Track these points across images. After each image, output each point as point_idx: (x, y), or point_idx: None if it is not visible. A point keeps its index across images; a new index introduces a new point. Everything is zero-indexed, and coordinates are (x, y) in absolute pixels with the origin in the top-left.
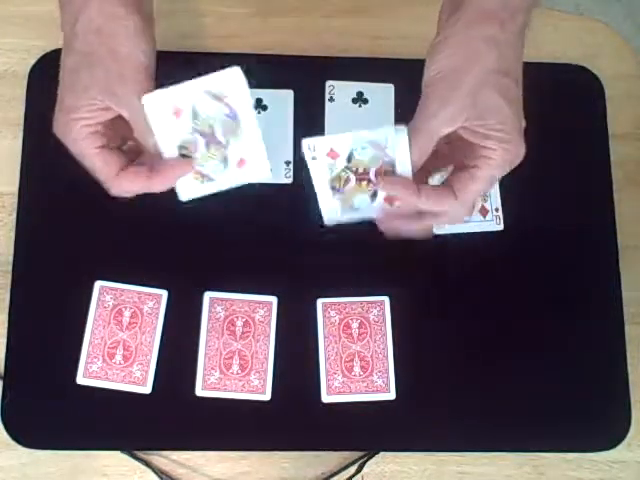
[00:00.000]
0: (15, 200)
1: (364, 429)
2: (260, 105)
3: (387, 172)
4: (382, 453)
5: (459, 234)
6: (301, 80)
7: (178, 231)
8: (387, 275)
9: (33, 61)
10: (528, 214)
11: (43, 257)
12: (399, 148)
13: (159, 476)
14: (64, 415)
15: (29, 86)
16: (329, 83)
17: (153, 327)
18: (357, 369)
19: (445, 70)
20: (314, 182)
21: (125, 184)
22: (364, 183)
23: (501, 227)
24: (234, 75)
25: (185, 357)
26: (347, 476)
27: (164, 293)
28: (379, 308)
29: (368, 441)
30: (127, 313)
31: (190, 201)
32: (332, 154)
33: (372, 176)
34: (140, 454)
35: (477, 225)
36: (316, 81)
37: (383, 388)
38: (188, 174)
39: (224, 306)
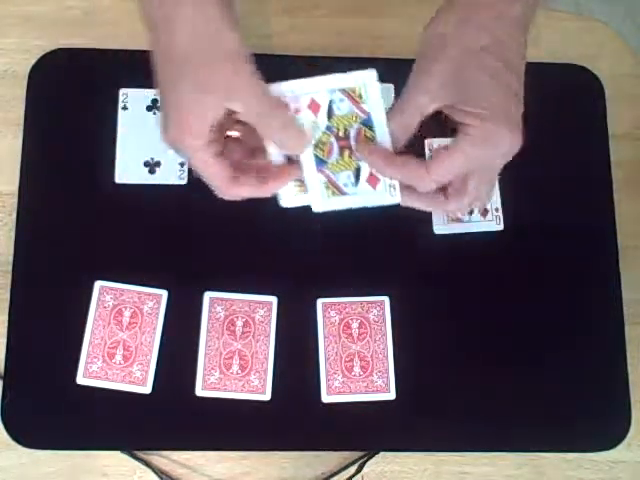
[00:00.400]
0: (15, 200)
1: (364, 429)
2: None
3: (367, 138)
4: (382, 453)
5: (459, 234)
6: None
7: (178, 231)
8: (387, 275)
9: (33, 61)
10: (528, 214)
11: (43, 257)
12: (371, 97)
13: (159, 476)
14: (64, 415)
15: (29, 86)
16: None
17: (153, 327)
18: (357, 369)
19: (433, 43)
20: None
21: (238, 190)
22: (346, 154)
23: (501, 227)
24: (369, 77)
25: (185, 357)
26: (347, 476)
27: (164, 293)
28: (379, 308)
29: (368, 441)
30: (127, 313)
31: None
32: (314, 106)
33: (352, 141)
34: (140, 454)
35: (477, 225)
36: None
37: (383, 388)
38: (318, 180)
39: (224, 306)
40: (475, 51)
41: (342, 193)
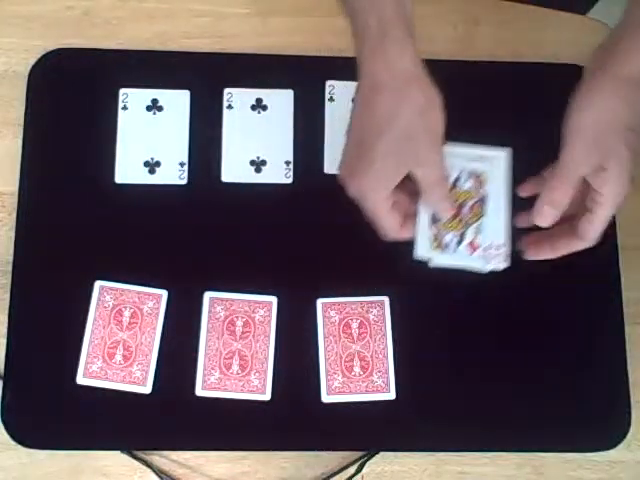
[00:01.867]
0: (15, 200)
1: (364, 429)
2: (260, 105)
3: (478, 212)
4: (382, 453)
5: None
6: (301, 80)
7: (178, 231)
8: (387, 275)
9: (33, 61)
10: (527, 214)
11: (43, 257)
12: (495, 181)
13: (159, 476)
14: (64, 415)
15: (29, 86)
16: (329, 83)
17: (153, 327)
18: (357, 369)
19: (589, 123)
20: (422, 203)
21: (404, 234)
22: (457, 220)
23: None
24: (500, 157)
25: (185, 357)
26: (347, 476)
27: (164, 293)
28: (379, 308)
29: (368, 441)
30: (127, 313)
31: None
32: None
33: (465, 211)
34: (140, 454)
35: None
36: (316, 81)
37: (383, 388)
38: (429, 234)
39: (224, 306)
40: (623, 129)
41: (443, 249)
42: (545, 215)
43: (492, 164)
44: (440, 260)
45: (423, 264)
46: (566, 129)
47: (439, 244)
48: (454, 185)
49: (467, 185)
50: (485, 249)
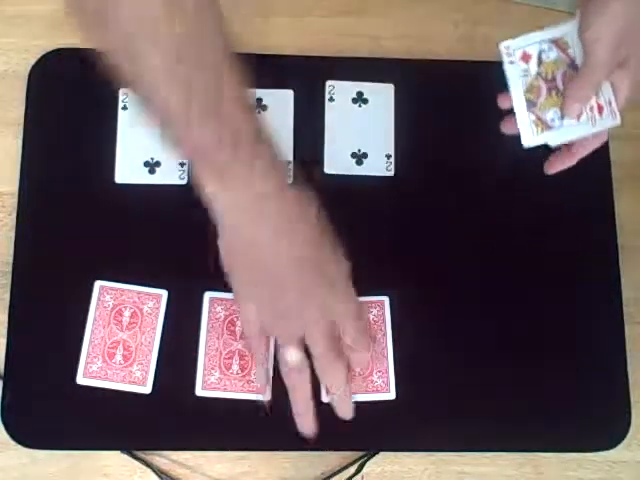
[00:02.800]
0: (15, 200)
1: (364, 429)
2: (260, 105)
3: (572, 77)
4: (382, 453)
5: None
6: (301, 80)
7: (178, 231)
8: (387, 275)
9: (33, 61)
10: (527, 214)
11: (43, 257)
12: (577, 43)
13: (159, 476)
14: (64, 415)
15: (29, 86)
16: (329, 83)
17: (153, 327)
18: (358, 369)
19: (607, 32)
20: (512, 93)
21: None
22: (554, 93)
23: (618, 121)
24: (574, 25)
25: (185, 357)
26: (347, 476)
27: (164, 293)
28: (379, 308)
29: (368, 441)
30: (127, 313)
31: (531, 148)
32: (525, 57)
33: (559, 82)
34: (140, 454)
35: (572, 130)
36: (316, 81)
37: (383, 388)
38: (530, 121)
39: (224, 306)
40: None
41: (549, 128)
42: (576, 110)
43: (567, 26)
44: (551, 140)
45: (423, 264)
46: (585, 39)
47: (543, 125)
48: (540, 62)
49: (552, 55)
50: (591, 109)
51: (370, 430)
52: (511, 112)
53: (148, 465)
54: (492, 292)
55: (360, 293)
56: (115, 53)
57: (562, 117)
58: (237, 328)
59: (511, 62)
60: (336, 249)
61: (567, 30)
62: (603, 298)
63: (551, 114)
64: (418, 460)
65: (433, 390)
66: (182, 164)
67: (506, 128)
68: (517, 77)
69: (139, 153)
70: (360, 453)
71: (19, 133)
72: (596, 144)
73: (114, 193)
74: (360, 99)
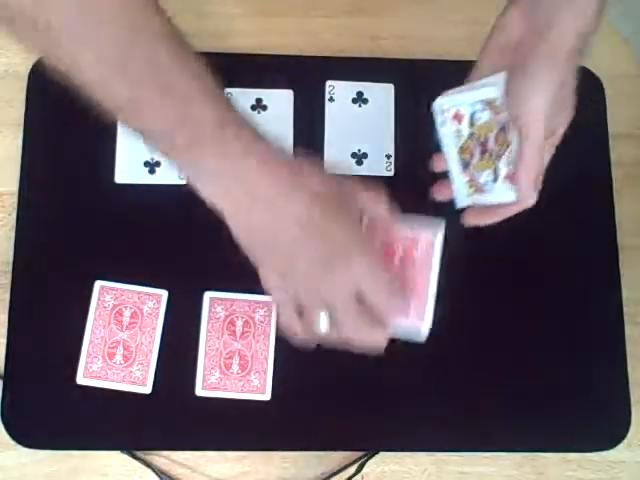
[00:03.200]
0: (15, 200)
1: (364, 429)
2: (260, 105)
3: (504, 141)
4: (382, 453)
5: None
6: (301, 80)
7: (178, 231)
8: None
9: (33, 61)
10: (527, 214)
11: (43, 257)
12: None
13: (159, 476)
14: (64, 415)
15: (29, 86)
16: (329, 83)
17: (153, 327)
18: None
19: (544, 105)
20: (446, 153)
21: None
22: (487, 155)
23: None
24: (502, 78)
25: (185, 357)
26: (347, 476)
27: (164, 293)
28: None
29: (368, 441)
30: (127, 313)
31: (463, 208)
32: (458, 117)
33: (491, 145)
34: (140, 454)
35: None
36: (316, 81)
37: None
38: (464, 182)
39: (224, 306)
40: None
41: (482, 191)
42: (533, 197)
43: (500, 88)
44: (481, 201)
45: None
46: (520, 116)
47: (476, 187)
48: (472, 122)
49: (484, 117)
50: None
51: (370, 430)
52: (444, 176)
53: (148, 465)
54: (492, 293)
55: None
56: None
57: (495, 180)
58: (237, 328)
59: (443, 122)
60: (345, 208)
61: (499, 92)
62: (603, 298)
63: (484, 177)
64: (418, 460)
65: (433, 390)
66: None
67: (437, 193)
68: (451, 137)
69: (139, 153)
70: (360, 453)
71: (19, 133)
72: (519, 209)
73: (114, 193)
74: (360, 99)
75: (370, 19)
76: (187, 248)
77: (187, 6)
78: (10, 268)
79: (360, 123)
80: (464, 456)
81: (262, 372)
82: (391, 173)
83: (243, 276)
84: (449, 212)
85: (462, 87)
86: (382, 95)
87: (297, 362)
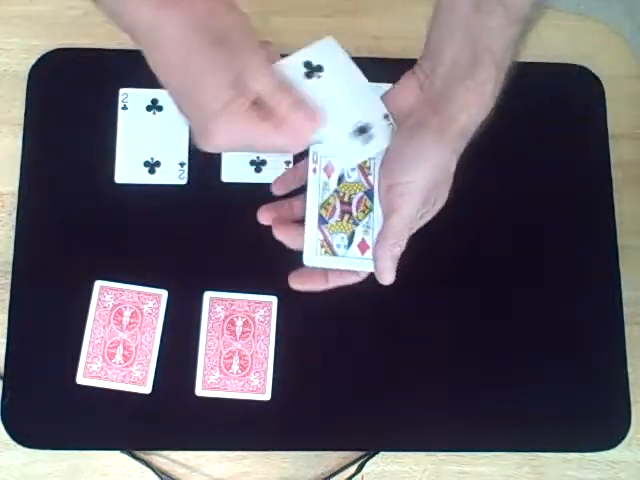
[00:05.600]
0: (15, 200)
1: (364, 429)
2: None
3: (366, 207)
4: (382, 453)
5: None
6: None
7: (178, 231)
8: None
9: (33, 61)
10: (527, 214)
11: (43, 257)
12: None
13: (159, 476)
14: (64, 415)
15: (29, 86)
16: None
17: (153, 327)
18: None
19: (422, 183)
20: (307, 203)
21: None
22: (346, 218)
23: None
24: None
25: (185, 357)
26: (347, 476)
27: (164, 293)
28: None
29: (368, 441)
30: (127, 313)
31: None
32: (329, 170)
33: (354, 208)
34: (140, 454)
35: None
36: None
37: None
38: (317, 239)
39: (224, 306)
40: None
41: (333, 254)
42: (391, 277)
43: (375, 154)
44: (330, 265)
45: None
46: (393, 190)
47: (328, 248)
48: (341, 180)
49: (353, 176)
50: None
51: (370, 430)
52: (278, 199)
53: (148, 465)
54: (492, 293)
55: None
56: None
57: (348, 245)
58: (237, 328)
59: (314, 170)
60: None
61: (374, 155)
62: (603, 298)
63: (338, 239)
64: (418, 460)
65: (433, 390)
66: (182, 164)
67: (263, 217)
68: (316, 188)
69: (139, 153)
70: (360, 453)
71: (19, 133)
72: (354, 279)
73: (114, 193)
74: None
75: (370, 19)
76: (187, 248)
77: None
78: (10, 268)
79: None
80: (464, 456)
81: (262, 372)
82: None
83: (243, 276)
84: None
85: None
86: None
87: (297, 362)
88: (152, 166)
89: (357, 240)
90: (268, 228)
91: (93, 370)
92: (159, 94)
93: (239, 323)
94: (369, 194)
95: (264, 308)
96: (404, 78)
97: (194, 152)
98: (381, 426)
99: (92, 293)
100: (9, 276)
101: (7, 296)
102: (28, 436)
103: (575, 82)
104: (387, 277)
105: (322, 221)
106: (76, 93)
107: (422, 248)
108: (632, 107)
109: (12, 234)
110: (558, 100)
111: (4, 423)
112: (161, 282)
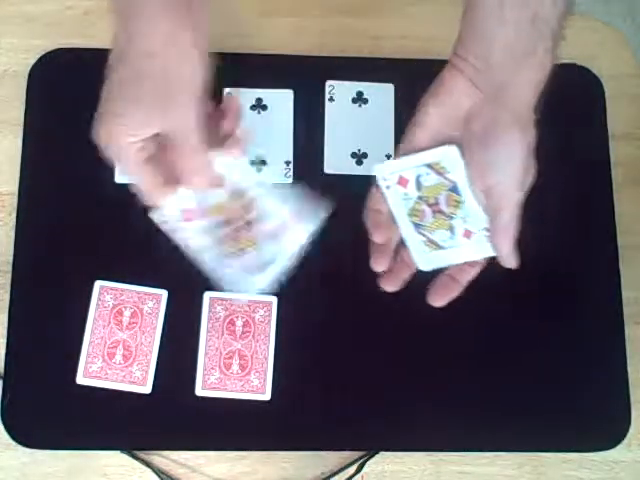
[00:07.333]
0: (15, 200)
1: (364, 429)
2: (260, 105)
3: (456, 201)
4: (382, 453)
5: None
6: (301, 80)
7: None
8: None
9: (33, 61)
10: (527, 214)
11: (43, 257)
12: (454, 169)
13: (159, 476)
14: (64, 415)
15: (29, 86)
16: (329, 83)
17: (153, 327)
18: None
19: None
20: (396, 217)
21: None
22: (439, 215)
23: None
24: (450, 152)
25: (185, 357)
26: (347, 476)
27: (164, 293)
28: None
29: (368, 441)
30: (127, 313)
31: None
32: (402, 181)
33: (443, 206)
34: (140, 454)
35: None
36: (316, 81)
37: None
38: (420, 241)
39: (224, 306)
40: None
41: (441, 247)
42: (515, 261)
43: (440, 152)
44: (445, 260)
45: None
46: (493, 186)
47: (433, 245)
48: (419, 186)
49: (431, 180)
50: (480, 232)
51: (370, 430)
52: (381, 247)
53: (148, 465)
54: (492, 293)
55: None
56: None
57: (452, 238)
58: (237, 328)
59: (388, 187)
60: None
61: (441, 155)
62: (603, 298)
63: (440, 235)
64: (418, 460)
65: (433, 390)
66: None
67: (377, 264)
68: (398, 200)
69: None
70: (360, 453)
71: (19, 133)
72: (476, 270)
73: (114, 193)
74: (360, 99)
75: (370, 19)
76: None
77: None
78: (10, 268)
79: (360, 123)
80: (464, 456)
81: (262, 372)
82: None
83: None
84: None
85: (398, 154)
86: (382, 95)
87: (297, 362)
88: None
89: (460, 231)
90: None
91: (93, 370)
92: None
93: (239, 323)
94: (453, 189)
95: (264, 308)
96: (448, 80)
97: None
98: (381, 426)
99: (92, 293)
100: (9, 276)
101: (7, 296)
102: (28, 436)
103: (575, 82)
104: (513, 261)
105: (417, 226)
106: (76, 93)
107: None
108: (632, 107)
109: (12, 234)
110: (558, 100)
111: (4, 423)
112: (161, 282)
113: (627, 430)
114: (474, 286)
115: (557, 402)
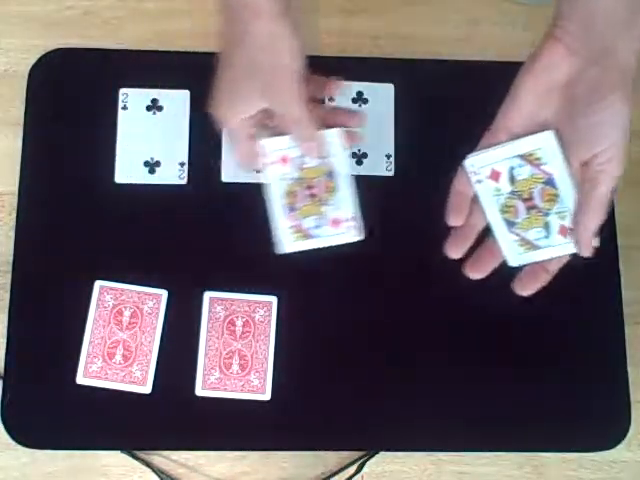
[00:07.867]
0: (15, 200)
1: (364, 429)
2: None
3: (551, 195)
4: (382, 453)
5: None
6: None
7: (178, 231)
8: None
9: (33, 61)
10: None
11: (43, 257)
12: (552, 158)
13: (159, 476)
14: (64, 415)
15: (29, 86)
16: None
17: (153, 327)
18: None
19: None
20: (487, 214)
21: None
22: (533, 212)
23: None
24: (547, 138)
25: (185, 357)
26: (347, 476)
27: (164, 293)
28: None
29: (368, 441)
30: (127, 313)
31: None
32: (494, 175)
33: (537, 201)
34: (140, 454)
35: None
36: None
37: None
38: (513, 241)
39: (224, 306)
40: None
41: (536, 247)
42: (591, 248)
43: (535, 140)
44: (538, 258)
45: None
46: (599, 154)
47: (529, 245)
48: (512, 180)
49: (525, 172)
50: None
51: (370, 430)
52: (460, 232)
53: (148, 465)
54: (492, 292)
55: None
56: None
57: (547, 236)
58: (237, 328)
59: (479, 181)
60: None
61: (536, 144)
62: (603, 298)
63: (534, 233)
64: (418, 460)
65: (433, 390)
66: (182, 164)
67: (452, 251)
68: (489, 196)
69: (139, 153)
70: (360, 453)
71: (19, 133)
72: (567, 258)
73: (114, 193)
74: (360, 99)
75: (370, 19)
76: (187, 248)
77: (187, 6)
78: (10, 268)
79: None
80: (464, 456)
81: (262, 372)
82: (391, 173)
83: (243, 276)
84: None
85: (485, 141)
86: (382, 95)
87: (297, 362)
88: (152, 166)
89: (555, 228)
90: (268, 228)
91: (93, 370)
92: (159, 94)
93: (239, 323)
94: (549, 182)
95: (264, 308)
96: (546, 52)
97: (194, 152)
98: (381, 426)
99: (92, 293)
100: (9, 276)
101: (7, 296)
102: (28, 436)
103: None
104: (591, 247)
105: (510, 224)
106: (76, 93)
107: (423, 249)
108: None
109: (12, 234)
110: None
111: (4, 423)
112: (161, 282)
113: (627, 430)
114: (474, 286)
115: (557, 402)
